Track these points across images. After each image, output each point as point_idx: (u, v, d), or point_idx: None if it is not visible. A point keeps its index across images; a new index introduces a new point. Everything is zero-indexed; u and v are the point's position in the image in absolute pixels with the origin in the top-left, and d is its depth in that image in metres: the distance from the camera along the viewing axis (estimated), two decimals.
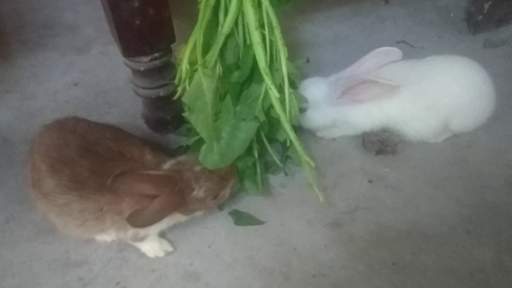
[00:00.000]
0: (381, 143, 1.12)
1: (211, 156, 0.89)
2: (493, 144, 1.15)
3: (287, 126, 0.93)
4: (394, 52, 1.05)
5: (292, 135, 0.94)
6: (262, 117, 0.91)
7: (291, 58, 0.98)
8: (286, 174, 1.08)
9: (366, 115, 1.09)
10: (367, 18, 1.62)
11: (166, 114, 1.15)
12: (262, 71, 0.88)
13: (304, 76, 1.11)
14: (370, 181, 1.08)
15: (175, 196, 0.81)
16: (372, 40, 1.50)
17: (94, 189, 0.81)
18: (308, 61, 1.14)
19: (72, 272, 0.91)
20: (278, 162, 1.05)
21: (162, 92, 1.08)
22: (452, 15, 1.60)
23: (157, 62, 1.02)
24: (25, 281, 0.90)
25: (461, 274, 0.89)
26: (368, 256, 0.93)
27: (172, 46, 1.02)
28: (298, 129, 1.16)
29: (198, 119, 0.89)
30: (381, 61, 1.05)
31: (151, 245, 0.92)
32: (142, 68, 1.03)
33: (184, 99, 0.90)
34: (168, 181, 0.81)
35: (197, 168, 0.86)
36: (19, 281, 0.90)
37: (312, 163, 0.94)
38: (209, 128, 0.89)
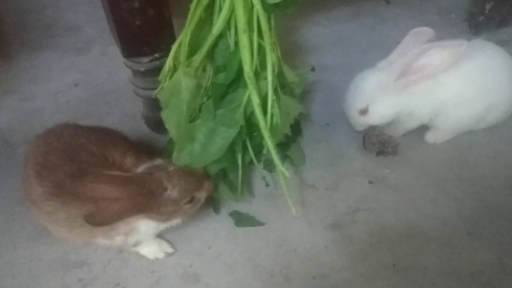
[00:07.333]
0: (381, 144, 1.11)
1: (181, 157, 0.88)
2: (494, 145, 1.14)
3: (265, 133, 0.88)
4: (426, 31, 1.02)
5: (270, 143, 0.89)
6: (242, 122, 0.88)
7: (293, 62, 0.96)
8: (267, 185, 1.05)
9: (423, 99, 1.05)
10: (368, 19, 1.62)
11: None
12: (246, 75, 0.86)
13: (306, 80, 1.09)
14: (370, 182, 1.07)
15: (140, 198, 0.77)
16: (373, 41, 1.50)
17: (76, 196, 0.79)
18: (313, 69, 1.12)
19: (72, 273, 0.91)
20: (261, 169, 1.02)
21: None
22: (453, 16, 1.60)
23: (157, 62, 1.02)
24: (25, 281, 0.90)
25: (462, 276, 0.89)
26: (369, 257, 0.93)
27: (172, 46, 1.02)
28: (299, 130, 1.17)
29: (170, 116, 0.87)
30: (419, 40, 1.02)
31: (150, 248, 0.92)
32: (142, 69, 1.03)
33: (159, 95, 0.88)
34: (132, 182, 0.77)
35: (171, 168, 0.83)
36: (19, 281, 0.90)
37: (287, 174, 0.89)
38: (181, 127, 0.87)
